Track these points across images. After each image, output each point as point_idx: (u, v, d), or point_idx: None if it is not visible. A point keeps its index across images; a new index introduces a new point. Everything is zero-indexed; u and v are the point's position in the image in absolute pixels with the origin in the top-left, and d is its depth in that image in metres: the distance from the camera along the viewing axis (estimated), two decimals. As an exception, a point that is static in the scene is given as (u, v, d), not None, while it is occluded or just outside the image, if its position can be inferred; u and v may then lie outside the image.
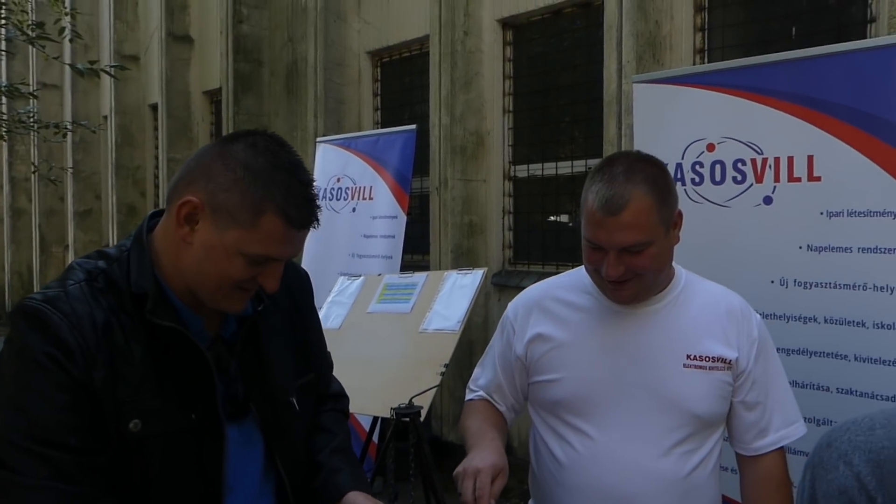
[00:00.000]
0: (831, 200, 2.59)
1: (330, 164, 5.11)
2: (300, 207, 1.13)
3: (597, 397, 1.50)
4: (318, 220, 1.17)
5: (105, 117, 9.48)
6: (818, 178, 2.62)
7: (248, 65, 7.04)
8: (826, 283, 2.62)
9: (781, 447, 1.55)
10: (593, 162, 4.46)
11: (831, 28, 3.53)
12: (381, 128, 5.87)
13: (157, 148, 9.10)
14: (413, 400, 2.60)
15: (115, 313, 1.12)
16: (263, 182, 1.11)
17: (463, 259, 4.83)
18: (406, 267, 4.49)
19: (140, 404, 1.11)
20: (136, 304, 1.14)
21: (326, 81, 5.95)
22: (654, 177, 1.43)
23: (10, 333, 1.12)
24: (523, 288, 5.14)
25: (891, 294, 2.50)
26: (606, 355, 1.51)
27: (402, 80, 5.83)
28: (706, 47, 3.90)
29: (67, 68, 10.58)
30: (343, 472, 1.36)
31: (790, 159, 2.68)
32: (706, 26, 3.90)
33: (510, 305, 1.71)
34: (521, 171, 4.90)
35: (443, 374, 3.08)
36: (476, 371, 1.77)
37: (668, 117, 3.04)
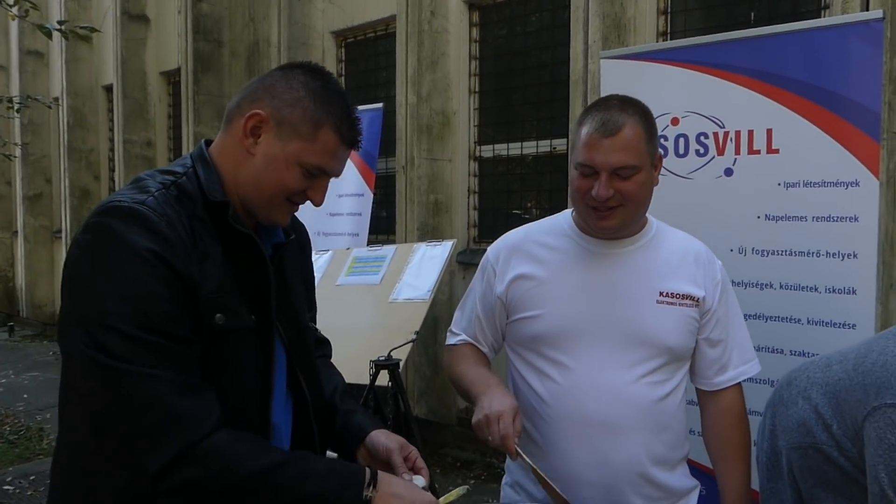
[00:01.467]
0: (788, 172, 2.72)
1: (295, 142, 5.10)
2: (350, 128, 1.26)
3: (575, 331, 1.59)
4: (361, 142, 1.30)
5: (55, 99, 9.23)
6: (776, 151, 2.75)
7: (208, 45, 6.95)
8: (782, 251, 2.75)
9: (739, 383, 1.70)
10: (558, 142, 4.56)
11: (787, 14, 3.68)
12: (346, 108, 5.87)
13: (111, 130, 8.91)
14: (391, 353, 2.66)
15: (192, 218, 1.20)
16: (322, 101, 1.23)
17: (428, 237, 4.88)
18: (371, 245, 4.53)
19: (223, 300, 1.19)
20: (209, 212, 1.22)
21: (290, 61, 5.92)
22: (643, 112, 1.58)
23: (92, 234, 1.14)
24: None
25: (842, 260, 2.64)
26: (584, 292, 1.60)
27: (367, 60, 5.84)
28: (669, 30, 4.02)
29: (14, 47, 10.29)
30: (358, 412, 1.46)
31: (750, 133, 2.80)
32: (669, 9, 4.03)
33: (490, 249, 1.78)
34: (487, 151, 4.97)
35: (413, 340, 3.14)
36: (456, 315, 1.84)
37: (635, 92, 3.07)
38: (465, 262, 4.90)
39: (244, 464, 1.11)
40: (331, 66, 6.00)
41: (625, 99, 1.60)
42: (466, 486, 1.42)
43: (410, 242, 4.59)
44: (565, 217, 1.72)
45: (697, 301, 1.61)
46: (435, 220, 4.98)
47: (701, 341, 1.66)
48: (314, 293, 1.57)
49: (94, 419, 1.14)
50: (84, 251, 1.14)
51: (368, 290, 3.61)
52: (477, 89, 4.99)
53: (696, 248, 1.69)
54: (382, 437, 1.39)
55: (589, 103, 4.02)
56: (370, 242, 4.49)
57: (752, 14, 3.83)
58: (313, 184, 1.27)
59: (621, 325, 1.58)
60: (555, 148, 4.60)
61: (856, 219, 2.60)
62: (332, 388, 1.50)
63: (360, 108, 4.79)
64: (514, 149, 4.80)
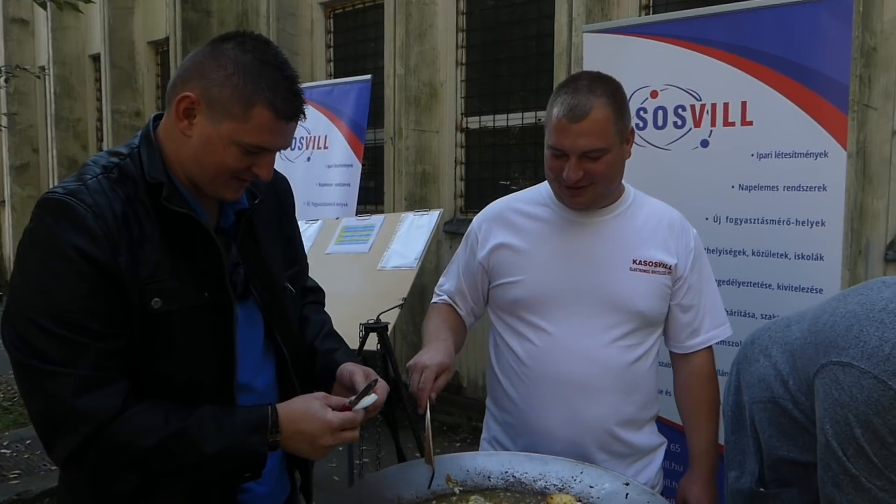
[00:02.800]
0: (761, 143, 2.83)
1: (284, 113, 5.14)
2: (287, 100, 1.22)
3: (552, 296, 1.68)
4: (304, 113, 1.27)
5: (42, 68, 9.17)
6: (750, 123, 2.85)
7: (197, 14, 6.93)
8: (754, 219, 2.86)
9: (710, 346, 1.78)
10: (543, 114, 4.64)
11: (766, -13, 3.75)
12: (335, 78, 5.92)
13: (98, 100, 8.88)
14: (380, 317, 2.77)
15: (131, 203, 1.21)
16: (252, 77, 1.20)
17: (416, 207, 4.96)
18: (360, 215, 4.61)
19: (159, 284, 1.21)
20: (150, 193, 1.23)
21: (279, 31, 5.94)
22: (612, 91, 1.60)
23: (32, 224, 1.19)
24: (475, 235, 5.21)
25: (811, 228, 2.75)
26: (561, 259, 1.69)
27: (356, 32, 5.87)
28: (651, 3, 4.08)
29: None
30: (338, 350, 1.51)
31: (726, 105, 2.90)
32: (652, -17, 4.09)
33: (475, 219, 1.87)
34: (473, 122, 5.04)
35: (401, 305, 3.24)
36: (441, 279, 1.94)
37: (616, 66, 3.20)
38: (451, 232, 4.99)
39: (141, 440, 1.17)
40: (319, 37, 6.03)
41: (594, 77, 1.63)
42: (375, 396, 1.36)
43: (399, 212, 4.68)
44: (545, 187, 1.79)
45: (670, 268, 1.68)
46: (422, 190, 5.07)
47: (673, 307, 1.72)
48: (300, 246, 1.60)
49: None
50: (24, 242, 1.20)
51: (357, 259, 3.70)
52: (464, 61, 5.04)
53: (670, 216, 1.76)
54: (349, 366, 1.43)
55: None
56: (359, 212, 4.57)
57: (733, -12, 3.89)
58: (257, 160, 1.26)
59: (596, 292, 1.66)
60: (540, 119, 4.68)
61: (824, 188, 2.71)
62: (315, 332, 1.55)
63: (349, 79, 4.85)
64: (501, 120, 4.87)
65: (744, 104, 2.85)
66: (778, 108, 2.79)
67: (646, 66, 3.12)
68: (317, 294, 1.70)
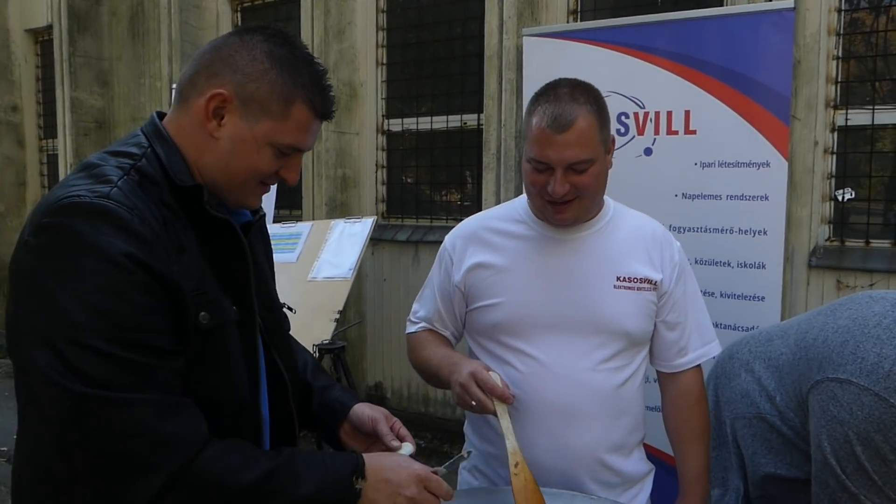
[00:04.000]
0: (704, 152, 2.85)
1: (191, 111, 4.82)
2: (324, 97, 1.14)
3: (534, 318, 1.58)
4: (334, 112, 1.19)
5: None
6: (694, 132, 2.87)
7: (85, 2, 6.41)
8: (698, 228, 2.89)
9: (699, 365, 1.69)
10: (469, 117, 4.56)
11: (692, -2, 3.82)
12: (243, 77, 5.61)
13: (-32, 92, 8.06)
14: (335, 337, 2.59)
15: (161, 207, 1.07)
16: (290, 72, 1.10)
17: (337, 212, 4.76)
18: (278, 221, 4.36)
19: (204, 296, 1.08)
20: (177, 197, 1.09)
21: (182, 24, 5.57)
22: (594, 99, 1.51)
23: (51, 236, 0.99)
24: (398, 242, 5.13)
25: (753, 237, 2.80)
26: (542, 279, 1.59)
27: (266, 27, 5.58)
28: (579, 8, 4.08)
29: None
30: (335, 388, 1.38)
31: (669, 113, 2.90)
32: (579, -12, 4.09)
33: (447, 238, 1.74)
34: (395, 124, 4.89)
35: (337, 320, 3.07)
36: (415, 305, 1.80)
37: (556, 71, 3.14)
38: (373, 238, 4.79)
39: (235, 478, 1.03)
40: (226, 30, 5.68)
41: (574, 85, 1.53)
42: (470, 451, 1.39)
43: (324, 219, 4.46)
44: (521, 203, 1.69)
45: (655, 284, 1.60)
46: (343, 194, 4.87)
47: (659, 324, 1.64)
48: (274, 268, 1.48)
49: (61, 443, 1.01)
50: (42, 258, 0.99)
51: (284, 269, 3.47)
52: (385, 61, 4.88)
53: (652, 228, 1.67)
54: (367, 409, 1.33)
55: (504, 79, 4.04)
56: (276, 218, 4.33)
57: (660, -3, 3.95)
58: (286, 162, 1.16)
59: (579, 312, 1.57)
60: (465, 123, 4.59)
61: (766, 198, 2.76)
62: (301, 364, 1.42)
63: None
64: (424, 123, 4.75)
65: (687, 113, 2.87)
66: (721, 117, 2.81)
67: (588, 73, 3.04)
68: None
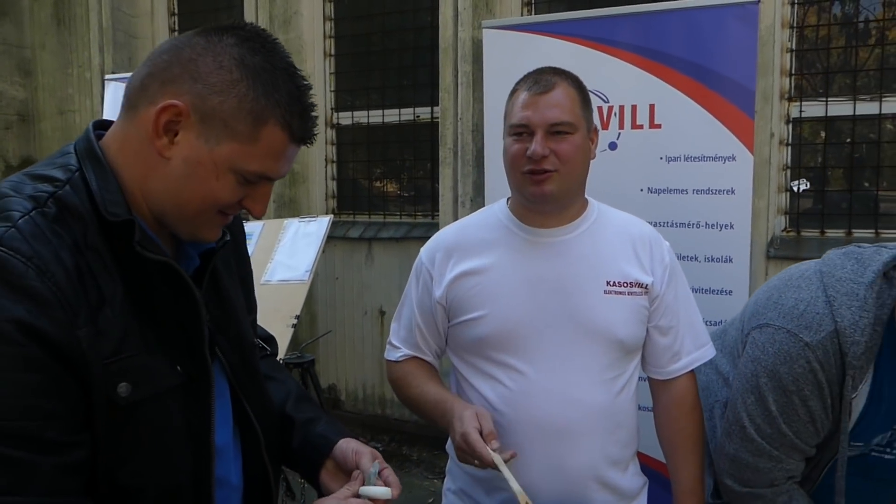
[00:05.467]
0: (670, 146, 2.82)
1: (126, 105, 4.56)
2: (303, 118, 0.96)
3: (522, 330, 1.49)
4: (314, 136, 1.00)
5: None
6: (658, 126, 2.83)
7: (1, -13, 6.01)
8: (664, 223, 2.85)
9: (692, 371, 1.63)
10: (422, 110, 4.44)
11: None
12: (181, 68, 5.35)
13: None
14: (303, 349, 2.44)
15: (80, 250, 0.88)
16: (264, 85, 0.92)
17: (286, 209, 4.59)
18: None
19: (126, 363, 0.89)
20: (106, 234, 0.91)
21: (114, 11, 5.27)
22: (577, 81, 1.56)
23: None
24: (350, 239, 4.98)
25: (720, 231, 2.79)
26: (528, 287, 1.50)
27: (205, 15, 5.33)
28: (533, 0, 4.01)
29: None
30: (320, 420, 1.21)
31: (633, 107, 2.86)
32: (533, -21, 4.02)
33: (423, 251, 1.64)
34: (345, 118, 4.74)
35: (294, 325, 2.94)
36: (393, 325, 1.69)
37: (518, 64, 3.06)
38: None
39: None
40: (161, 19, 5.42)
41: (557, 69, 1.59)
42: (389, 490, 1.26)
43: (272, 216, 4.29)
44: (500, 206, 1.62)
45: (646, 287, 1.53)
46: (292, 190, 4.70)
47: (651, 329, 1.57)
48: (253, 291, 1.30)
49: None
50: None
51: (236, 271, 3.32)
52: (333, 52, 4.72)
53: (640, 229, 1.62)
54: (353, 444, 1.16)
55: (460, 72, 3.94)
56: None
57: (614, -12, 3.91)
58: (251, 192, 0.98)
59: (569, 320, 1.49)
60: (418, 116, 4.48)
61: (732, 191, 2.75)
62: (283, 395, 1.25)
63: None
64: (375, 116, 4.61)
65: (652, 107, 2.83)
66: (686, 111, 2.79)
67: (551, 66, 3.02)
68: (270, 344, 1.36)
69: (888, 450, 1.45)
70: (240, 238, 1.24)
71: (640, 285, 1.53)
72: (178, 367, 0.95)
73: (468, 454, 1.34)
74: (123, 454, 0.90)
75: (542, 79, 1.50)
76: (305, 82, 0.98)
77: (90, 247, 0.89)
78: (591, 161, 1.57)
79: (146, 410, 0.91)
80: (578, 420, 1.48)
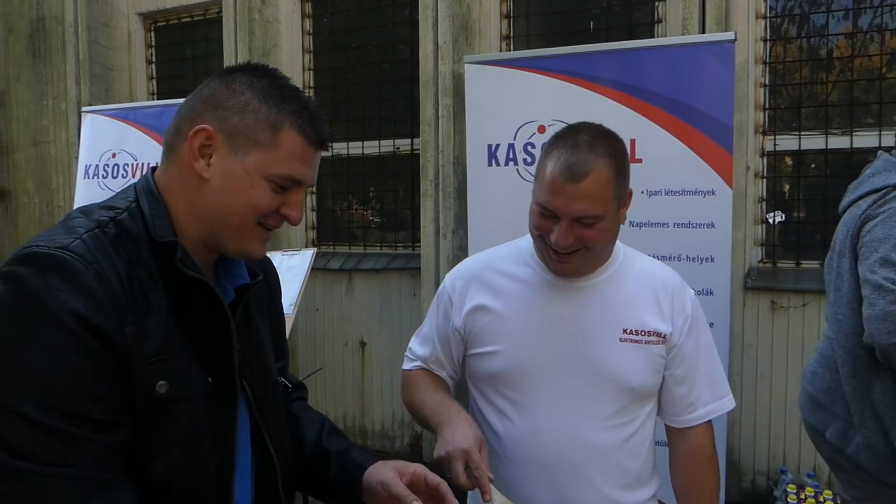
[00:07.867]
0: (651, 181, 2.87)
1: (102, 137, 4.53)
2: (314, 122, 1.08)
3: (534, 371, 1.49)
4: (331, 142, 1.13)
5: None
6: (640, 161, 2.89)
7: (-23, 18, 5.94)
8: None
9: (709, 420, 1.58)
10: (402, 142, 4.47)
11: (622, 26, 3.88)
12: (158, 99, 5.32)
13: None
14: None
15: (132, 265, 1.01)
16: (273, 99, 1.06)
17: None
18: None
19: (166, 364, 1.00)
20: (155, 255, 1.04)
21: (91, 44, 5.24)
22: (615, 151, 1.41)
23: (6, 288, 0.93)
24: (330, 270, 4.94)
25: (700, 264, 2.83)
26: (544, 329, 1.50)
27: (182, 47, 5.32)
28: (511, 34, 4.07)
29: None
30: (353, 449, 1.28)
31: (615, 142, 2.91)
32: (511, 13, 4.08)
33: (448, 277, 1.64)
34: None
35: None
36: (413, 341, 1.70)
37: (499, 98, 3.13)
38: (304, 267, 4.63)
39: None
40: (139, 51, 5.40)
41: (597, 132, 1.42)
42: None
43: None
44: (527, 243, 1.59)
45: (664, 337, 1.50)
46: (270, 222, 4.67)
47: (667, 377, 1.54)
48: (285, 340, 1.38)
49: None
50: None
51: (218, 306, 3.28)
52: (312, 84, 4.74)
53: (663, 276, 1.57)
54: (375, 473, 1.21)
55: (441, 105, 3.97)
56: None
57: (591, 24, 3.99)
58: (286, 198, 1.09)
59: (582, 365, 1.48)
60: (398, 148, 4.50)
61: (712, 225, 2.81)
62: (316, 430, 1.32)
63: (181, 100, 4.33)
64: (355, 148, 4.62)
65: (633, 142, 2.88)
66: (666, 146, 2.84)
67: (532, 101, 3.07)
68: (301, 391, 1.44)
69: None
70: (276, 291, 1.34)
71: (657, 334, 1.50)
72: (209, 378, 1.06)
73: (449, 468, 1.33)
74: (157, 448, 1.00)
75: (576, 162, 1.36)
76: (310, 98, 1.12)
77: (142, 263, 1.02)
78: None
79: (179, 409, 1.01)
80: (585, 461, 1.48)
